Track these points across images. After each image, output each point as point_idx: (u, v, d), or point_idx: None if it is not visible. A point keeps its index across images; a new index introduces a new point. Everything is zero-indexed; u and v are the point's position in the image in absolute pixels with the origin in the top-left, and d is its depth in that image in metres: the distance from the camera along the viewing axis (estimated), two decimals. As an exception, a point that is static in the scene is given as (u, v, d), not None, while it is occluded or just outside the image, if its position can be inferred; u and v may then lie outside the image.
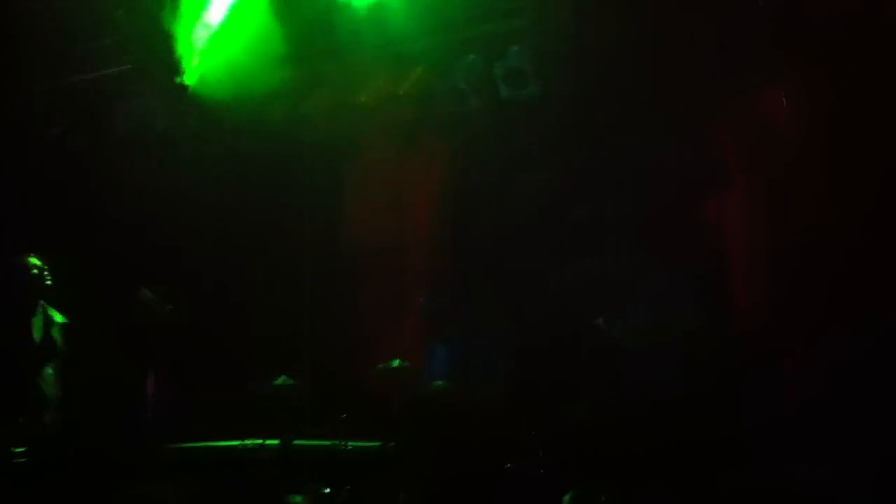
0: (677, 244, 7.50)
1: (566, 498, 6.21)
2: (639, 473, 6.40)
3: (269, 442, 6.69)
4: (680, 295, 7.30)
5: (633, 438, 6.56)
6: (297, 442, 6.71)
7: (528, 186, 8.22)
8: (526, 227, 8.20)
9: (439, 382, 7.15)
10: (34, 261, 6.17)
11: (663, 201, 7.62)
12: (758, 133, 7.24)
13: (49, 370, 6.24)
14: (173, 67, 7.67)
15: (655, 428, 6.59)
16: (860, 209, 6.76)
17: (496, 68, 7.92)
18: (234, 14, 7.75)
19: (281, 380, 7.05)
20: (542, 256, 8.08)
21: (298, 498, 6.47)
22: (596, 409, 6.96)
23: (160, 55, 7.63)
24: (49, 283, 6.13)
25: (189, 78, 7.73)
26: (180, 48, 7.65)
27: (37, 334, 6.08)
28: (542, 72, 7.80)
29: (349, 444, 6.75)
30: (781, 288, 7.04)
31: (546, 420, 7.03)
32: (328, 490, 6.50)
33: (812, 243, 6.91)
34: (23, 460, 5.92)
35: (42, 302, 6.15)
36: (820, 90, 6.88)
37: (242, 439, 6.85)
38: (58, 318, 6.16)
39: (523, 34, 7.85)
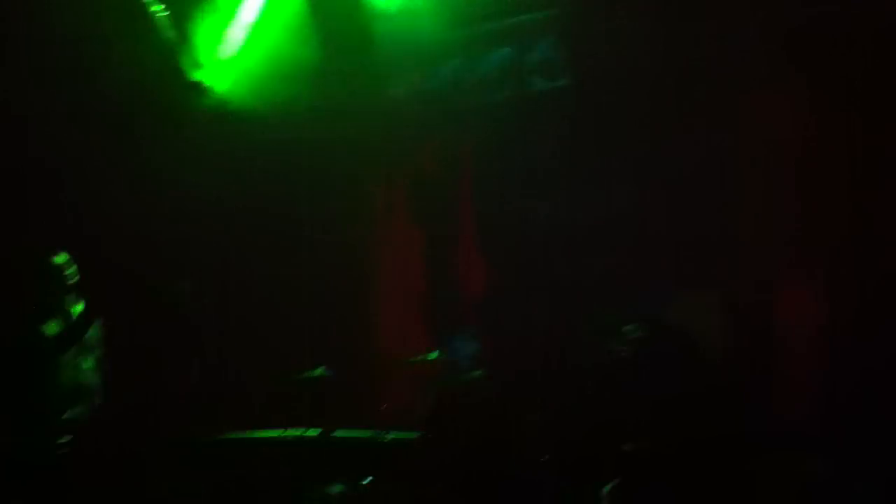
0: (696, 241, 7.58)
1: (605, 489, 6.29)
2: (667, 469, 6.48)
3: (308, 432, 6.77)
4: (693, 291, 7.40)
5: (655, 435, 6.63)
6: (336, 432, 6.78)
7: (556, 180, 8.27)
8: (554, 221, 8.25)
9: (476, 372, 7.22)
10: (61, 258, 6.23)
11: (685, 197, 7.68)
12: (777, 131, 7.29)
13: (88, 363, 6.32)
14: (206, 67, 7.76)
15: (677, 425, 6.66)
16: (868, 209, 6.82)
17: (527, 60, 7.95)
18: (266, 11, 7.80)
19: (319, 371, 7.14)
20: (567, 251, 8.14)
21: (338, 487, 6.56)
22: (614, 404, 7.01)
23: (193, 55, 7.72)
24: (74, 280, 6.19)
25: (223, 75, 7.81)
26: (214, 47, 7.74)
27: (59, 328, 6.15)
28: (574, 63, 7.84)
29: (388, 435, 6.82)
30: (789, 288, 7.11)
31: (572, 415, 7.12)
32: (367, 480, 6.59)
33: (818, 242, 6.97)
34: (65, 452, 5.98)
35: (68, 297, 6.21)
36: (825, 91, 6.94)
37: (283, 429, 6.93)
38: (78, 309, 6.23)
39: (555, 25, 7.86)
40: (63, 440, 5.95)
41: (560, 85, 7.86)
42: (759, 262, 7.16)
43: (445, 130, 8.55)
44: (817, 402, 6.70)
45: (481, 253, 8.48)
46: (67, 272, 6.17)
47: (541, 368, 7.68)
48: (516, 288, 8.17)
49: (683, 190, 7.51)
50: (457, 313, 8.11)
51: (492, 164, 8.44)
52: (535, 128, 8.18)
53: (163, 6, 7.65)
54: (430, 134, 8.63)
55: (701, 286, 7.35)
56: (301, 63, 8.01)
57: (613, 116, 7.65)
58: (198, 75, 7.85)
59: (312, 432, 6.77)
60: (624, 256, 7.66)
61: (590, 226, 7.88)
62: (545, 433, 6.87)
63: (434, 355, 7.10)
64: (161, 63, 7.61)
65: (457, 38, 8.07)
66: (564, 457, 6.83)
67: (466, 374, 7.27)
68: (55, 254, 6.21)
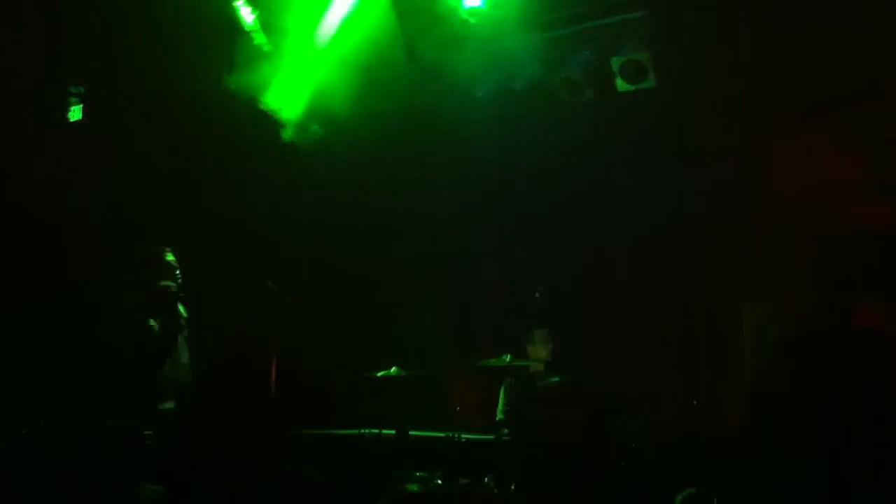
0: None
1: (678, 498, 6.20)
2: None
3: (385, 431, 6.87)
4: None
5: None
6: (412, 432, 6.86)
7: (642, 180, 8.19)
8: (641, 222, 8.17)
9: (556, 377, 7.20)
10: (169, 257, 6.43)
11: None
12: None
13: (184, 358, 6.53)
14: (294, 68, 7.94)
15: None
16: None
17: (613, 61, 7.87)
18: (352, 13, 7.93)
19: (394, 370, 7.24)
20: (652, 255, 8.05)
21: (413, 486, 6.63)
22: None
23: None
24: (179, 280, 6.39)
25: (311, 79, 7.98)
26: (299, 51, 7.91)
27: (163, 327, 6.35)
28: (660, 64, 7.74)
29: (463, 435, 6.87)
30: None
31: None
32: (441, 481, 6.64)
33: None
34: (152, 443, 6.18)
35: (172, 297, 6.41)
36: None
37: (360, 428, 7.05)
38: (183, 312, 6.43)
39: (641, 26, 7.76)
40: (151, 431, 6.16)
41: (644, 87, 7.78)
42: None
43: (528, 133, 8.56)
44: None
45: (558, 255, 8.46)
46: (172, 272, 6.41)
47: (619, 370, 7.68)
48: (594, 287, 8.14)
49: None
50: (531, 316, 8.09)
51: (570, 167, 8.41)
52: (617, 131, 8.15)
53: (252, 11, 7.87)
54: (513, 136, 8.64)
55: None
56: (385, 67, 8.10)
57: (696, 120, 7.56)
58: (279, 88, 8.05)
59: (389, 432, 6.87)
60: (706, 260, 7.58)
61: (671, 231, 7.80)
62: (622, 438, 6.82)
63: (507, 358, 7.10)
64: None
65: (541, 41, 8.05)
66: (640, 462, 6.81)
67: (541, 377, 7.26)
68: (167, 252, 6.46)
